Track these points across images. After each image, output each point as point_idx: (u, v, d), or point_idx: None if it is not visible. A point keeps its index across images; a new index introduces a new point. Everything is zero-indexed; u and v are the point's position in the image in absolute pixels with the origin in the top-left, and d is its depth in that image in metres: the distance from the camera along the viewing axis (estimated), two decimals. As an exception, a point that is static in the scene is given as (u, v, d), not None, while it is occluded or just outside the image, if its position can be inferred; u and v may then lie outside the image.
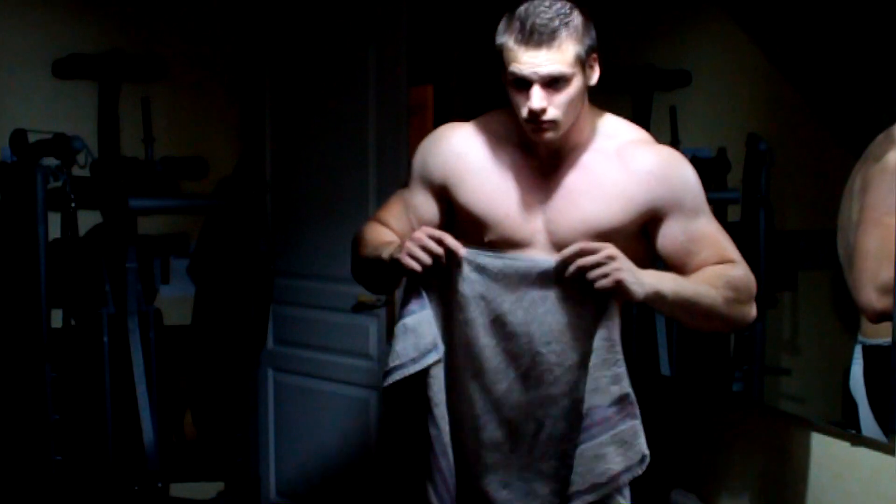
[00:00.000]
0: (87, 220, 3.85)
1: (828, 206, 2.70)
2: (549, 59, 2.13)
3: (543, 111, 2.16)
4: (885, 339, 2.39)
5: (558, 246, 2.22)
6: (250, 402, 4.29)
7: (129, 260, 3.70)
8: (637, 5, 3.41)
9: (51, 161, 3.60)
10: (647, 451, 2.19)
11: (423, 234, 2.19)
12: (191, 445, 4.31)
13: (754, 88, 3.15)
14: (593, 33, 2.20)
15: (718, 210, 3.26)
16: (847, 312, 2.62)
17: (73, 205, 3.67)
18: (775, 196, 3.03)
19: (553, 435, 2.26)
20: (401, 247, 2.22)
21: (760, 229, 3.05)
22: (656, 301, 2.16)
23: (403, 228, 2.41)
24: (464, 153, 2.34)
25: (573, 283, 2.15)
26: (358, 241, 2.45)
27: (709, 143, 3.28)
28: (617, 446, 2.16)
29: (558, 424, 2.25)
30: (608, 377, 2.16)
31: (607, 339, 2.15)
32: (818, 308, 3.03)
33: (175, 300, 4.22)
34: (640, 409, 2.21)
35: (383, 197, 3.52)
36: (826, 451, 2.59)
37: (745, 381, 3.11)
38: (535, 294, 2.19)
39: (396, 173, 3.56)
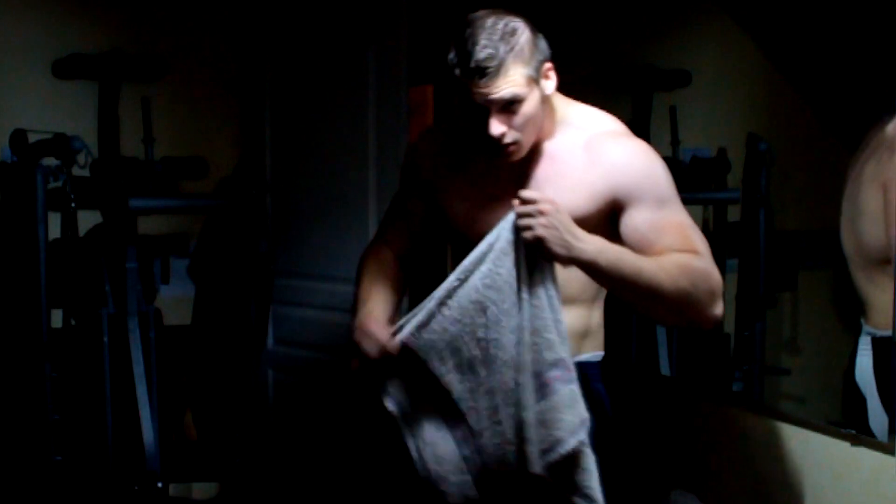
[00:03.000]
0: (87, 220, 3.85)
1: (828, 206, 2.70)
2: (499, 87, 2.12)
3: (503, 135, 2.16)
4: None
5: None
6: (250, 402, 4.29)
7: (129, 260, 3.71)
8: (637, 5, 3.41)
9: (51, 161, 3.60)
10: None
11: (360, 336, 2.27)
12: (191, 445, 4.31)
13: (754, 88, 3.16)
14: (543, 45, 2.17)
15: (718, 210, 3.28)
16: (847, 312, 2.61)
17: (73, 205, 3.67)
18: (775, 196, 3.04)
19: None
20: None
21: (760, 229, 3.05)
22: (589, 270, 2.12)
23: (404, 245, 2.46)
24: (441, 154, 2.38)
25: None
26: (359, 271, 2.47)
27: (709, 143, 3.28)
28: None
29: None
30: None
31: (546, 296, 2.14)
32: (818, 308, 3.03)
33: (175, 300, 4.23)
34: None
35: (383, 197, 3.52)
36: (826, 451, 2.59)
37: (745, 381, 3.11)
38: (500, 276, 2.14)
39: (396, 173, 3.53)
